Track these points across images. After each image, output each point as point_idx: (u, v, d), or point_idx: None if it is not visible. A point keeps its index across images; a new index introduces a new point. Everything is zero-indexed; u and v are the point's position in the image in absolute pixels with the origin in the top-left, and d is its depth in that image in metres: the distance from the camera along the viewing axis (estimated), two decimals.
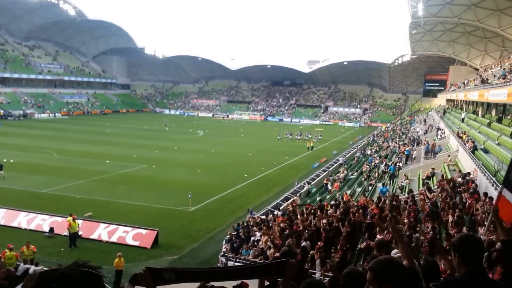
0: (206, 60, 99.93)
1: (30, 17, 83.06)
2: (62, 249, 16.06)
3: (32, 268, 11.06)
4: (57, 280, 1.13)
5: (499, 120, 26.18)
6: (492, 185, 12.92)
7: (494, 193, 12.06)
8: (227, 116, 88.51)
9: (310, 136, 52.03)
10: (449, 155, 22.80)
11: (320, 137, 52.13)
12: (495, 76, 34.03)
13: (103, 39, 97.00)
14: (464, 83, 47.04)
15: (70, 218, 16.47)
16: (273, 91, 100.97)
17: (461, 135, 24.51)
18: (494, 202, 5.71)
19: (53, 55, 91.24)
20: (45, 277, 1.14)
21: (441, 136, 32.59)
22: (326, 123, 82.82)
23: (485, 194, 12.09)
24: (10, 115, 65.32)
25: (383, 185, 21.90)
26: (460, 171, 17.85)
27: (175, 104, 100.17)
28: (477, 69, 58.96)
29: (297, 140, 51.92)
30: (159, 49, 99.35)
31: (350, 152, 40.61)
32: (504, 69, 32.78)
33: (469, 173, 15.73)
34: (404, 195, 17.28)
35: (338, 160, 35.14)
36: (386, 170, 25.45)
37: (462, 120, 33.13)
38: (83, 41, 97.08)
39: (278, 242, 12.78)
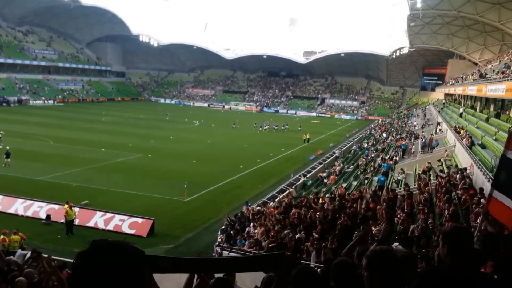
0: (201, 48, 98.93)
1: (24, 2, 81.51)
2: (59, 236, 16.12)
3: (29, 253, 11.05)
4: (110, 245, 1.26)
5: (497, 116, 26.21)
6: (489, 180, 13.00)
7: (490, 189, 12.14)
8: (223, 107, 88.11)
9: (286, 126, 52.64)
10: (446, 150, 22.90)
11: (286, 126, 52.94)
12: (494, 71, 33.98)
13: (97, 26, 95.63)
14: (462, 77, 46.97)
15: (66, 206, 16.48)
16: (269, 82, 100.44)
17: (458, 129, 24.58)
18: (485, 205, 5.74)
19: (47, 41, 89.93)
20: (98, 243, 1.27)
21: (438, 130, 32.67)
22: (323, 115, 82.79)
23: (481, 189, 12.17)
24: (5, 101, 64.62)
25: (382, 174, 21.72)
26: (456, 166, 17.93)
27: (171, 93, 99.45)
28: (476, 63, 58.93)
29: (264, 130, 50.82)
30: (154, 36, 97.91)
31: (346, 145, 40.66)
32: (505, 63, 32.52)
33: (465, 169, 15.80)
34: (400, 189, 17.37)
35: (335, 153, 35.18)
36: (382, 164, 25.48)
37: (460, 115, 33.13)
38: (77, 27, 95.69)
39: (272, 233, 12.82)
